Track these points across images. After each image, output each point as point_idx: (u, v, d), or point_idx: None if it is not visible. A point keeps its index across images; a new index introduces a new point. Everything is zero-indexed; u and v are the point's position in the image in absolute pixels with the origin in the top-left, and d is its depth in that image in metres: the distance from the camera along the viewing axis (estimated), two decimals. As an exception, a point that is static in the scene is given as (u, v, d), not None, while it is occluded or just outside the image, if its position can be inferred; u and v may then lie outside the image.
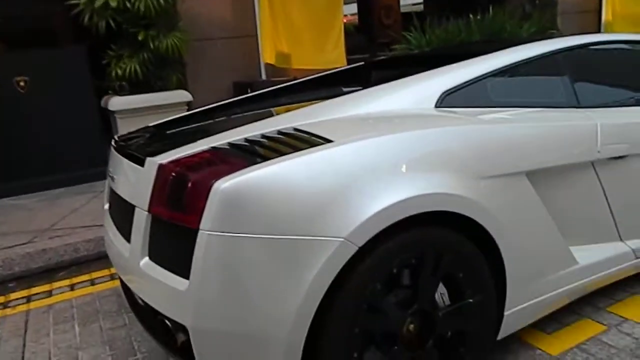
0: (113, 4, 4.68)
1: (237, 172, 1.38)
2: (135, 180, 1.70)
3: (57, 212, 4.11)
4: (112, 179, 1.95)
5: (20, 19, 6.20)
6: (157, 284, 1.50)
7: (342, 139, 1.49)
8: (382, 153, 1.48)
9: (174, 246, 1.49)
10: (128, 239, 1.70)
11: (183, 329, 1.47)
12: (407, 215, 1.44)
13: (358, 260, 1.41)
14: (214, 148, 1.57)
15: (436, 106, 1.84)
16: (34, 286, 3.09)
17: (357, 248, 1.39)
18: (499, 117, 1.87)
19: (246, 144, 1.59)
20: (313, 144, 1.49)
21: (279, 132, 1.64)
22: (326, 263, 1.35)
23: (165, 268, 1.50)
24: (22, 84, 4.79)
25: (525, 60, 2.08)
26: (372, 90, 1.93)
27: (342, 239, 1.37)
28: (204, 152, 1.55)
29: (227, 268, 1.35)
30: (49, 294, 2.98)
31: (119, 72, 5.03)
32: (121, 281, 2.17)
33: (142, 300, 1.68)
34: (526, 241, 1.72)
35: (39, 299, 2.91)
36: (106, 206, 2.23)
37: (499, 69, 2.00)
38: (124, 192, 1.78)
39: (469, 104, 1.88)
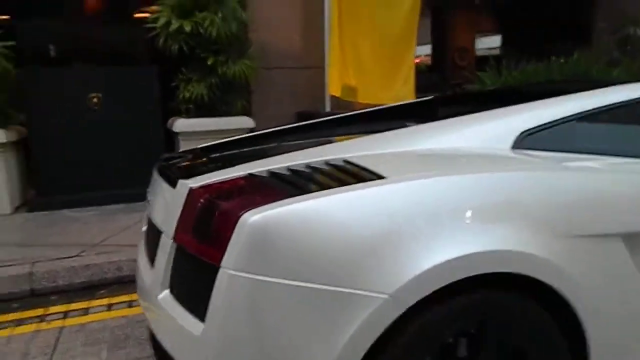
0: (187, 28, 4.78)
1: (271, 204, 1.19)
2: (165, 204, 1.55)
3: (110, 228, 4.11)
4: (148, 200, 1.82)
5: (98, 38, 6.55)
6: (171, 322, 1.32)
7: (397, 176, 1.27)
8: (443, 196, 1.24)
9: (193, 283, 1.31)
10: (152, 263, 1.54)
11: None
12: (470, 274, 1.18)
13: (405, 324, 1.16)
14: (250, 175, 1.40)
15: (513, 147, 1.58)
16: (74, 302, 3.03)
17: (404, 309, 1.15)
18: (589, 166, 1.57)
19: (287, 173, 1.41)
20: (362, 179, 1.28)
21: (326, 163, 1.45)
22: (366, 323, 1.12)
23: (183, 306, 1.32)
24: (95, 100, 4.95)
25: (622, 103, 1.77)
26: (436, 125, 1.71)
27: (386, 296, 1.13)
28: (238, 178, 1.38)
29: (247, 316, 1.15)
30: (86, 311, 2.90)
31: (187, 94, 5.11)
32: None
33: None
34: (620, 321, 1.39)
35: (75, 316, 2.83)
36: (144, 228, 2.12)
37: (591, 110, 1.71)
38: (154, 216, 1.64)
39: (552, 148, 1.60)
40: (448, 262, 1.16)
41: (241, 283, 1.15)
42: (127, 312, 2.86)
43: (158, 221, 1.56)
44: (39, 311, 2.91)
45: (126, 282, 3.30)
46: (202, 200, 1.31)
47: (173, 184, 1.51)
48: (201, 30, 4.81)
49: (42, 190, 4.88)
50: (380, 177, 1.28)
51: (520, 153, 1.56)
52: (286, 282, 1.14)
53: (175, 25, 4.81)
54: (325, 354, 1.12)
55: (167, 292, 1.41)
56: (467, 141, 1.59)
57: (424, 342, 1.20)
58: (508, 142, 1.59)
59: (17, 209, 4.82)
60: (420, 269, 1.14)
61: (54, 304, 3.01)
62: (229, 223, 1.19)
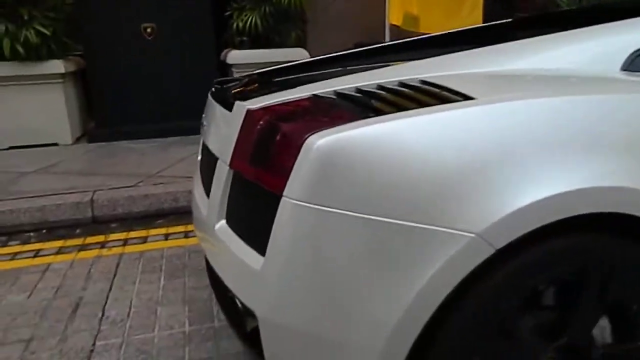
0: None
1: (340, 126, 1.03)
2: (221, 129, 1.43)
3: (166, 159, 4.12)
4: (203, 126, 1.71)
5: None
6: (229, 255, 1.23)
7: (489, 97, 1.07)
8: (550, 120, 1.03)
9: (252, 213, 1.20)
10: (208, 194, 1.45)
11: (253, 314, 1.19)
12: (576, 213, 1.00)
13: (492, 267, 1.00)
14: (315, 96, 1.24)
15: (623, 69, 1.32)
16: (133, 230, 3.07)
17: (493, 250, 0.99)
18: None
19: (357, 94, 1.23)
20: (446, 100, 1.09)
21: (401, 84, 1.26)
22: (447, 265, 0.97)
23: (241, 238, 1.22)
24: (149, 30, 4.85)
25: None
26: (528, 42, 1.46)
27: (473, 235, 0.97)
28: (302, 99, 1.23)
29: (313, 251, 1.03)
30: (144, 240, 2.93)
31: (240, 24, 4.93)
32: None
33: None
34: None
35: (133, 244, 2.87)
36: (199, 157, 2.03)
37: None
38: (210, 142, 1.53)
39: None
40: (550, 198, 0.98)
41: (306, 214, 1.02)
42: (183, 242, 2.87)
43: (213, 148, 1.45)
44: (100, 238, 2.97)
45: (182, 213, 3.31)
46: (261, 123, 1.17)
47: (229, 107, 1.38)
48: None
49: (101, 122, 4.94)
50: (468, 97, 1.08)
51: (633, 75, 1.31)
52: (356, 214, 1.00)
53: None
54: (398, 297, 0.99)
55: (223, 222, 1.32)
56: (566, 61, 1.35)
57: (512, 286, 1.04)
58: (617, 63, 1.34)
59: (77, 140, 4.93)
60: (516, 206, 0.97)
61: (113, 232, 3.06)
62: (293, 147, 1.05)
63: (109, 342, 1.91)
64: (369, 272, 1.00)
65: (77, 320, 2.07)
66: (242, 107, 1.27)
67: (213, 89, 1.77)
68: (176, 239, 2.93)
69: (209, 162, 1.57)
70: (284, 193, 1.05)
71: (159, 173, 3.73)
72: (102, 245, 2.87)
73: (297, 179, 1.03)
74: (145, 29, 4.84)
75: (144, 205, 3.28)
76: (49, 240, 2.95)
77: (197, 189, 1.69)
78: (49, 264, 2.61)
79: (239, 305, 1.25)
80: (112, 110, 4.90)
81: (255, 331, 1.24)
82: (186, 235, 2.98)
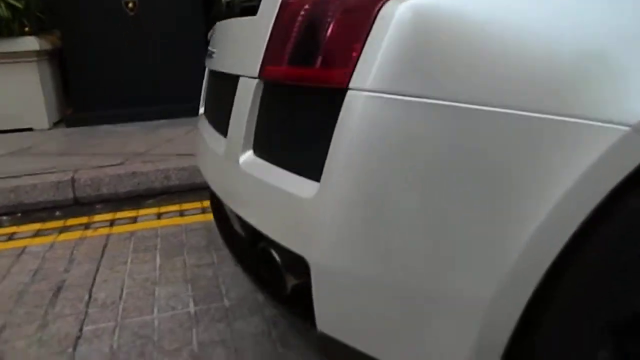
0: None
1: (425, -8, 0.74)
2: (241, 40, 1.13)
3: (154, 140, 3.79)
4: (211, 55, 1.41)
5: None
6: (263, 190, 0.93)
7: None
8: None
9: (296, 128, 0.90)
10: (225, 133, 1.15)
11: (298, 265, 0.90)
12: None
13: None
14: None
15: None
16: (120, 210, 2.74)
17: (651, 150, 0.70)
18: None
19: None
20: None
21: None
22: (593, 168, 0.68)
23: (279, 164, 0.92)
24: (130, 5, 4.50)
25: None
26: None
27: (628, 128, 0.68)
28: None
29: (395, 159, 0.73)
30: (134, 220, 2.60)
31: (229, -2, 4.59)
32: (212, 202, 1.67)
33: (239, 222, 1.14)
34: None
35: (122, 224, 2.54)
36: (201, 110, 1.72)
37: None
38: (225, 64, 1.22)
39: None
40: None
41: (384, 108, 0.72)
42: (179, 220, 2.55)
43: (231, 66, 1.15)
44: (83, 219, 2.63)
45: (175, 192, 2.99)
46: (306, 7, 0.87)
47: (250, 12, 1.08)
48: None
49: (80, 105, 4.57)
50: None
51: None
52: (459, 104, 0.70)
53: None
54: (522, 220, 0.70)
55: (250, 153, 1.02)
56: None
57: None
58: None
59: (55, 125, 4.55)
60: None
61: (99, 213, 2.73)
62: (362, 22, 0.75)
63: (99, 326, 1.59)
64: (480, 188, 0.71)
65: (59, 304, 1.74)
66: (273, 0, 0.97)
67: (217, 13, 1.47)
68: (171, 217, 2.61)
69: (222, 91, 1.26)
70: (350, 85, 0.75)
71: (148, 152, 3.40)
72: (86, 226, 2.53)
73: (369, 62, 0.73)
74: (126, 3, 4.49)
75: (132, 184, 2.94)
76: (24, 223, 2.60)
77: (205, 137, 1.38)
78: (24, 247, 2.26)
79: (276, 257, 0.95)
80: (92, 92, 4.53)
81: (298, 290, 0.94)
82: (182, 214, 2.66)
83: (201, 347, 1.46)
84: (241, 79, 1.06)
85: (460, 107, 0.71)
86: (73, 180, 2.86)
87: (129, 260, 2.08)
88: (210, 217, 2.56)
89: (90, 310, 1.69)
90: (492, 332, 0.74)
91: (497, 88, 0.70)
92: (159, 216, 2.63)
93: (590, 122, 0.69)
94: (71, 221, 2.61)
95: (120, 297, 1.77)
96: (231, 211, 1.26)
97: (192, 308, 1.68)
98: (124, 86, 4.58)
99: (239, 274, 1.91)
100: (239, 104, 1.06)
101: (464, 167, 0.71)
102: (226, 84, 1.22)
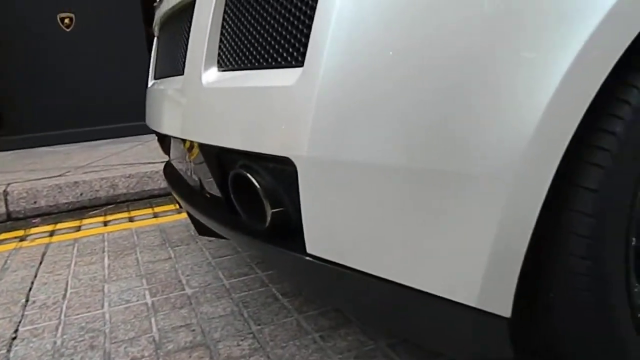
0: None
1: None
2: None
3: (96, 155, 3.54)
4: (160, 2, 1.28)
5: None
6: (234, 98, 0.80)
7: None
8: None
9: (269, 18, 0.77)
10: (182, 71, 1.01)
11: (279, 183, 0.77)
12: None
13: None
14: None
15: None
16: (61, 222, 2.48)
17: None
18: None
19: None
20: None
21: None
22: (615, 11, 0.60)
23: (251, 67, 0.80)
24: (66, 20, 4.29)
25: None
26: None
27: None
28: None
29: (392, 23, 0.62)
30: (78, 229, 2.36)
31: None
32: (165, 171, 1.51)
33: (206, 161, 0.99)
34: None
35: (64, 233, 2.29)
36: (150, 83, 1.57)
37: None
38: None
39: None
40: None
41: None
42: (129, 225, 2.33)
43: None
44: (19, 233, 2.36)
45: (123, 202, 2.77)
46: None
47: None
48: None
49: (12, 128, 4.25)
50: None
51: None
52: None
53: None
54: (541, 79, 0.60)
55: (214, 70, 0.89)
56: None
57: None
58: None
59: (-15, 149, 4.20)
60: None
61: (36, 226, 2.46)
62: None
63: (38, 326, 1.36)
64: (490, 46, 0.61)
65: (-11, 310, 1.49)
66: None
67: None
68: (119, 224, 2.38)
69: (176, 32, 1.14)
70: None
71: (90, 164, 3.16)
72: (22, 239, 2.26)
73: None
74: (62, 19, 4.28)
75: (74, 194, 2.69)
76: (-52, 241, 2.30)
77: (158, 86, 1.23)
78: (-53, 262, 1.98)
79: (253, 181, 0.81)
80: (26, 114, 4.24)
81: (279, 217, 0.81)
82: (131, 219, 2.44)
83: (162, 332, 1.27)
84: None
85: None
86: (5, 193, 2.58)
87: (73, 264, 1.85)
88: (163, 219, 2.36)
89: (27, 312, 1.46)
90: (518, 210, 0.63)
91: None
92: (106, 223, 2.40)
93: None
94: (4, 235, 2.33)
95: (64, 297, 1.55)
96: (191, 166, 1.11)
97: (148, 299, 1.48)
98: (60, 107, 4.32)
99: (200, 264, 1.72)
100: (198, 22, 0.93)
101: (469, 28, 0.62)
102: (179, 21, 1.10)
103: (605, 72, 0.61)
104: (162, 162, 3.02)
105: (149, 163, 3.00)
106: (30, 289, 1.64)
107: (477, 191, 0.63)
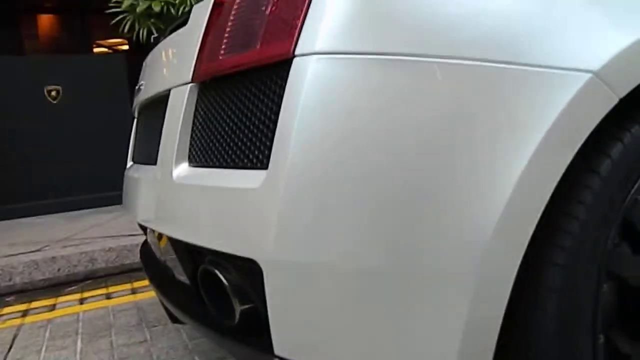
0: (156, 9, 4.32)
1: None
2: (171, 53, 1.05)
3: (78, 226, 3.50)
4: (139, 89, 1.32)
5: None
6: (201, 196, 0.81)
7: None
8: None
9: (236, 121, 0.80)
10: (156, 160, 1.03)
11: (247, 281, 0.76)
12: None
13: (617, 127, 0.68)
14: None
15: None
16: (36, 300, 2.41)
17: (616, 99, 0.67)
18: None
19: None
20: None
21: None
22: (566, 114, 0.63)
23: (219, 166, 0.82)
24: (53, 93, 4.37)
25: None
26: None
27: (591, 74, 0.65)
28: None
29: (353, 123, 0.65)
30: (52, 307, 2.28)
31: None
32: (142, 252, 1.49)
33: (175, 254, 0.99)
34: None
35: (38, 313, 2.21)
36: (129, 164, 1.59)
37: None
38: (154, 85, 1.13)
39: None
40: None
41: (334, 69, 0.65)
42: (105, 303, 2.27)
43: (161, 85, 1.06)
44: (-10, 313, 2.28)
45: (101, 277, 2.71)
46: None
47: (184, 23, 1.02)
48: (172, 11, 4.34)
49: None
50: None
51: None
52: (412, 58, 0.65)
53: (142, 6, 4.33)
54: (499, 177, 0.62)
55: (185, 165, 0.90)
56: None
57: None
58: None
59: (-38, 221, 4.12)
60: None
61: (9, 305, 2.38)
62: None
63: (1, 423, 1.29)
64: (450, 144, 0.63)
65: (-50, 405, 1.42)
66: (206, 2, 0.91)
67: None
68: (96, 301, 2.32)
69: (152, 121, 1.16)
70: (296, 51, 0.68)
71: (71, 237, 3.11)
72: (-7, 320, 2.18)
73: (315, 25, 0.67)
74: (49, 92, 4.36)
75: (51, 270, 2.63)
76: None
77: (133, 173, 1.25)
78: None
79: (222, 278, 0.80)
80: (8, 184, 4.20)
81: (248, 313, 0.79)
82: (108, 296, 2.37)
83: None
84: (172, 92, 0.97)
85: (418, 61, 0.65)
86: (-20, 270, 2.51)
87: (44, 349, 1.78)
88: (141, 296, 2.31)
89: (-10, 407, 1.38)
90: (482, 312, 0.63)
91: (454, 39, 0.66)
92: (82, 301, 2.33)
93: (551, 69, 0.65)
94: (-26, 316, 2.25)
95: (31, 388, 1.48)
96: (164, 253, 1.11)
97: (120, 389, 1.42)
98: (44, 177, 4.30)
99: (176, 347, 1.67)
100: (170, 119, 0.96)
101: (433, 129, 0.64)
102: (156, 110, 1.12)
103: (557, 176, 0.63)
104: (142, 235, 2.99)
105: (131, 235, 2.97)
106: (-4, 379, 1.56)
107: (441, 292, 0.63)
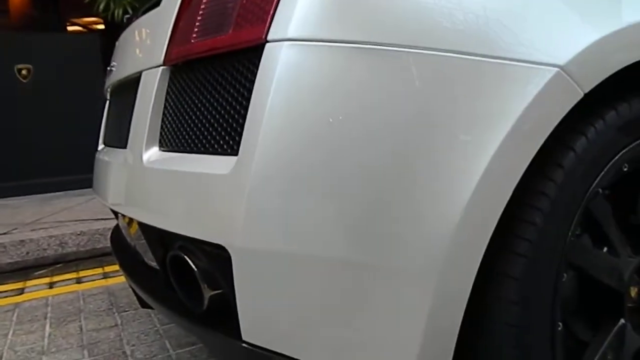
0: (132, -12, 4.22)
1: None
2: (144, 34, 1.03)
3: (47, 209, 3.43)
4: (111, 70, 1.29)
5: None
6: (171, 180, 0.80)
7: None
8: None
9: (207, 106, 0.79)
10: (125, 145, 1.01)
11: (215, 267, 0.76)
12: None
13: (580, 120, 0.70)
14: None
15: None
16: (3, 284, 2.36)
17: (582, 94, 0.69)
18: None
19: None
20: None
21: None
22: (532, 107, 0.64)
23: (190, 151, 0.81)
24: (24, 72, 4.25)
25: None
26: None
27: (557, 69, 0.67)
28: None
29: (324, 108, 0.65)
30: (20, 291, 2.24)
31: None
32: (112, 238, 1.48)
33: (146, 239, 0.98)
34: None
35: (5, 297, 2.17)
36: (100, 146, 1.56)
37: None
38: (125, 67, 1.11)
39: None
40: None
41: (304, 56, 0.65)
42: (76, 287, 2.24)
43: (132, 67, 1.04)
44: (-46, 297, 2.23)
45: (72, 261, 2.66)
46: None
47: (156, 4, 1.00)
48: (149, -9, 4.25)
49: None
50: None
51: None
52: (378, 47, 0.65)
53: (118, -15, 4.22)
54: (466, 163, 0.63)
55: (155, 149, 0.89)
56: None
57: (600, 158, 0.74)
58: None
59: None
60: (612, 29, 0.69)
61: (-25, 289, 2.33)
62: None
63: (-36, 407, 1.27)
64: (417, 132, 0.64)
65: None
66: (177, -16, 0.89)
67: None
68: (65, 285, 2.28)
69: (123, 104, 1.14)
70: (269, 37, 0.68)
71: (39, 220, 3.05)
72: (-43, 304, 2.13)
73: (288, 11, 0.67)
74: (19, 70, 4.23)
75: (19, 254, 2.58)
76: None
77: (104, 156, 1.23)
78: None
79: (190, 263, 0.80)
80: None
81: (216, 300, 0.80)
82: (79, 281, 2.34)
83: (99, 413, 1.20)
84: (143, 75, 0.95)
85: (389, 50, 0.65)
86: (-57, 253, 2.45)
87: (10, 333, 1.75)
88: (113, 281, 2.28)
89: (-47, 391, 1.36)
90: (446, 300, 0.64)
91: (422, 29, 0.66)
92: (51, 285, 2.30)
93: (519, 63, 0.66)
94: (-62, 300, 2.20)
95: (-4, 373, 1.45)
96: (134, 238, 1.09)
97: (88, 374, 1.41)
98: (13, 158, 4.19)
99: (147, 332, 1.66)
100: (141, 102, 0.94)
101: (399, 118, 0.65)
102: (127, 93, 1.10)
103: (522, 168, 0.64)
104: (114, 219, 2.94)
105: (102, 219, 2.92)
106: (-40, 364, 1.53)
107: (404, 284, 0.64)
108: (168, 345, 1.55)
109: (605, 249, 0.79)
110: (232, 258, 0.70)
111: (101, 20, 7.48)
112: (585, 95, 0.69)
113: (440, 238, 0.62)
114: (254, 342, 0.73)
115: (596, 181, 0.73)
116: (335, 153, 0.64)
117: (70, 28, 8.18)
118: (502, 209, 0.64)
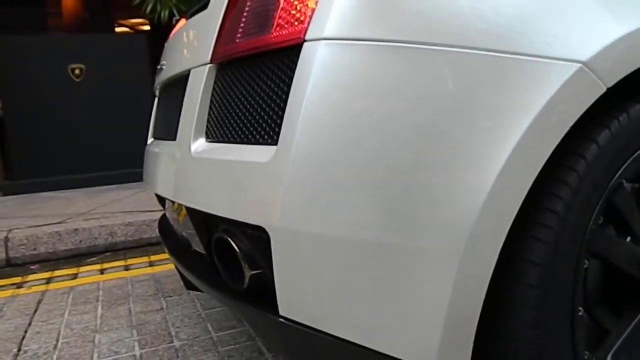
0: (178, -10, 4.37)
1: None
2: (192, 35, 1.11)
3: (98, 200, 3.62)
4: (161, 69, 1.38)
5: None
6: (216, 168, 0.87)
7: None
8: None
9: (250, 100, 0.86)
10: (175, 137, 1.10)
11: (257, 249, 0.83)
12: None
13: (604, 116, 0.73)
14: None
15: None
16: (59, 269, 2.53)
17: (604, 89, 0.72)
18: None
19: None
20: None
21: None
22: (554, 101, 0.68)
23: (234, 142, 0.88)
24: (77, 71, 4.48)
25: None
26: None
27: (580, 65, 0.70)
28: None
29: (356, 104, 0.71)
30: (74, 276, 2.40)
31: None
32: (160, 224, 1.57)
33: (192, 223, 1.06)
34: None
35: (60, 281, 2.33)
36: (150, 140, 1.66)
37: None
38: (175, 66, 1.20)
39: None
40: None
41: (341, 55, 0.71)
42: (124, 274, 2.38)
43: (181, 66, 1.12)
44: (16, 279, 2.41)
45: (120, 250, 2.82)
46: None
47: (204, 6, 1.08)
48: (194, -8, 4.40)
49: (19, 172, 4.36)
50: None
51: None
52: (414, 46, 0.70)
53: (165, -13, 4.39)
54: (488, 158, 0.68)
55: (202, 141, 0.97)
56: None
57: (625, 149, 0.77)
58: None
59: (-10, 193, 4.29)
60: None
61: (34, 273, 2.51)
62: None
63: (28, 376, 1.39)
64: (445, 126, 0.69)
65: (-19, 359, 1.53)
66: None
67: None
68: (115, 272, 2.43)
69: (172, 99, 1.23)
70: (307, 37, 0.74)
71: (91, 211, 3.23)
72: (19, 285, 2.31)
73: (325, 12, 0.73)
74: (72, 70, 4.47)
75: (73, 242, 2.75)
76: (-53, 287, 2.34)
77: (154, 148, 1.32)
78: (-56, 308, 2.02)
79: (233, 244, 0.87)
80: (33, 159, 4.35)
81: (256, 279, 0.86)
82: (127, 268, 2.48)
83: (148, 386, 1.30)
84: (192, 72, 1.03)
85: (419, 48, 0.70)
86: (6, 239, 2.64)
87: (67, 313, 1.89)
88: (158, 268, 2.41)
89: (18, 362, 1.49)
90: (468, 283, 0.69)
91: (451, 28, 0.71)
92: (102, 271, 2.45)
93: (543, 59, 0.70)
94: (2, 282, 2.38)
95: (55, 347, 1.58)
96: (182, 226, 1.18)
97: (137, 352, 1.51)
98: (67, 153, 4.44)
99: (190, 315, 1.76)
100: (190, 97, 1.02)
101: (429, 112, 0.70)
102: (176, 89, 1.19)
103: (543, 159, 0.68)
104: (161, 210, 3.09)
105: (149, 211, 3.07)
106: (23, 338, 1.67)
107: (429, 266, 0.69)
108: (210, 328, 1.64)
109: (628, 239, 0.81)
110: (271, 239, 0.76)
111: (147, 22, 7.78)
112: (608, 89, 0.72)
113: (464, 222, 0.67)
114: (290, 317, 0.79)
115: (619, 173, 0.75)
116: (366, 144, 0.70)
117: (118, 29, 8.52)
118: (523, 197, 0.68)
